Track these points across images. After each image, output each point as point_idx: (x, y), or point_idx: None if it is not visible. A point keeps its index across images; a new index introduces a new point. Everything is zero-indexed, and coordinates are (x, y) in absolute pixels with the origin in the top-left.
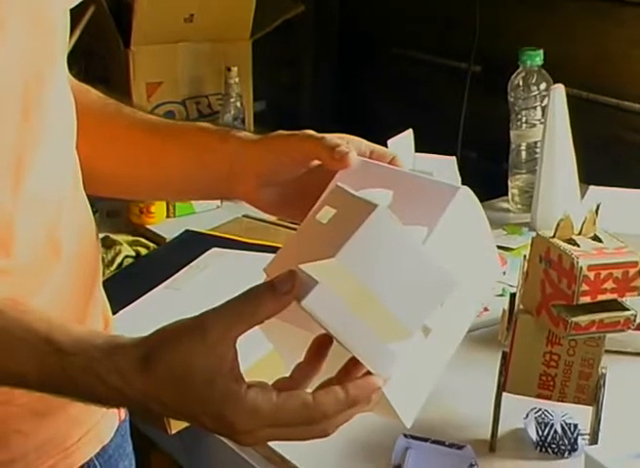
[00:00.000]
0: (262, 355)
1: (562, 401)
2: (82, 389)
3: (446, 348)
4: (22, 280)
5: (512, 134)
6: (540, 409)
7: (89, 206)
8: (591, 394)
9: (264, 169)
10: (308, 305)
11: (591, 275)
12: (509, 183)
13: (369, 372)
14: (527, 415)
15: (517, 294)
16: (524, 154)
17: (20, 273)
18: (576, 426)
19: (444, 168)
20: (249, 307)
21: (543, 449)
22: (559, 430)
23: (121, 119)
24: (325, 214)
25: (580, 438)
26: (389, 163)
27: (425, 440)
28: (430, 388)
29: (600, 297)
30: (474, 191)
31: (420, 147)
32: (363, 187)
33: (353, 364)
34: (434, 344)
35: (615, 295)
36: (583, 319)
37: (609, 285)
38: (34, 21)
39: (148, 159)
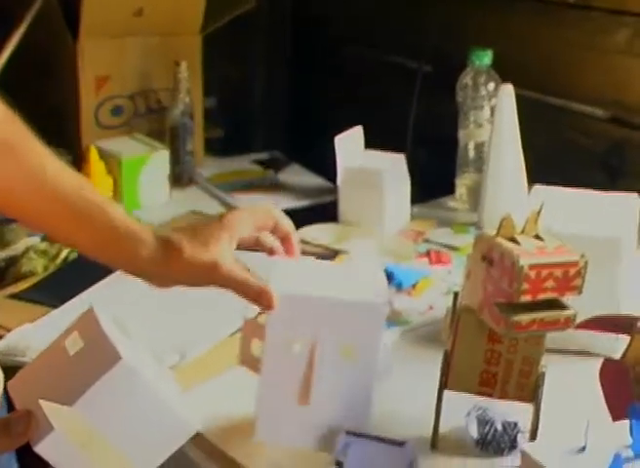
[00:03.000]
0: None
1: (503, 398)
2: None
3: None
4: None
5: (460, 133)
6: (480, 408)
7: None
8: (531, 392)
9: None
10: (42, 450)
11: (532, 274)
12: (457, 182)
13: None
14: (468, 413)
15: (460, 293)
16: (472, 153)
17: None
18: (516, 424)
19: (393, 165)
20: None
21: (484, 448)
22: (499, 428)
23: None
24: (73, 343)
25: (519, 435)
26: (283, 240)
27: (367, 436)
28: None
29: (541, 296)
30: (423, 189)
31: (370, 144)
32: None
33: None
34: None
35: (555, 294)
36: (524, 318)
37: (549, 284)
38: None
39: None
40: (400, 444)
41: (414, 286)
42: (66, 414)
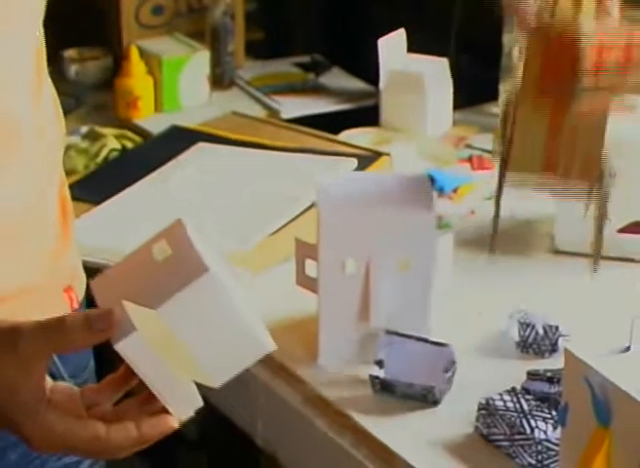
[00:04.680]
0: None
1: (567, 177)
2: None
3: None
4: None
5: (506, 37)
6: (522, 311)
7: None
8: (595, 173)
9: None
10: (122, 349)
11: (594, 53)
12: (501, 88)
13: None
14: (510, 316)
15: (509, 83)
16: (517, 58)
17: None
18: (557, 328)
19: (436, 69)
20: (61, 336)
21: (525, 350)
22: (540, 331)
23: None
24: (161, 250)
25: (560, 339)
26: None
27: (408, 337)
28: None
29: (602, 76)
30: (466, 94)
31: (411, 49)
32: None
33: (153, 397)
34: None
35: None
36: (587, 98)
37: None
38: None
39: None
40: (441, 344)
41: (455, 190)
42: (149, 317)
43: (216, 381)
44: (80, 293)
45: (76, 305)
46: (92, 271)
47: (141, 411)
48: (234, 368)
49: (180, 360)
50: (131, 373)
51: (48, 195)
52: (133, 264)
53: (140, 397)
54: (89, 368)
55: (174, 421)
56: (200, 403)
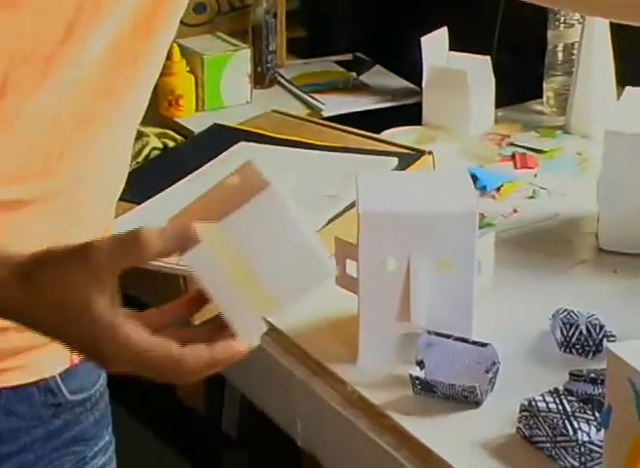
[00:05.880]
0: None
1: None
2: None
3: None
4: None
5: (549, 34)
6: (565, 310)
7: None
8: None
9: None
10: (189, 260)
11: None
12: (544, 85)
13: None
14: (553, 316)
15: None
16: (560, 55)
17: None
18: (602, 327)
19: (478, 67)
20: (137, 246)
21: (568, 350)
22: (584, 331)
23: None
24: (230, 181)
25: (604, 339)
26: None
27: (448, 337)
28: None
29: None
30: (509, 92)
31: (454, 46)
32: None
33: (223, 324)
34: None
35: None
36: None
37: None
38: None
39: None
40: (482, 345)
41: (498, 189)
42: (216, 233)
43: (280, 304)
44: None
45: None
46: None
47: (211, 337)
48: (298, 291)
49: (247, 280)
50: (194, 300)
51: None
52: (204, 199)
53: (207, 327)
54: (99, 384)
55: (243, 346)
56: (264, 328)
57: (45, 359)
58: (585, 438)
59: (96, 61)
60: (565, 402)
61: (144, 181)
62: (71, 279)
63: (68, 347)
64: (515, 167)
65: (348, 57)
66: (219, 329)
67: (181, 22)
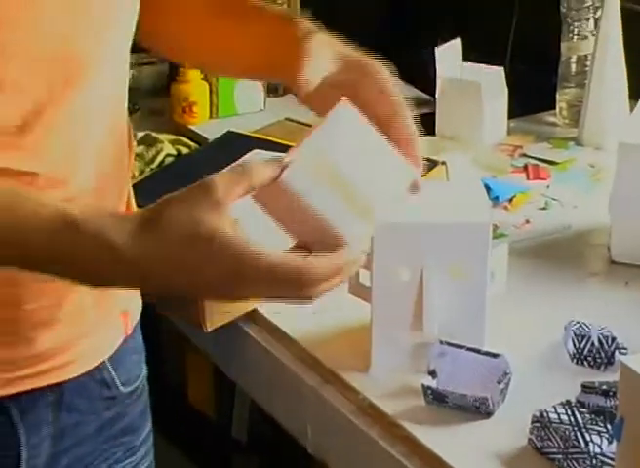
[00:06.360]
0: None
1: None
2: (89, 264)
3: None
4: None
5: (563, 45)
6: (577, 322)
7: None
8: None
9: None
10: (287, 178)
11: None
12: (557, 97)
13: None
14: (565, 327)
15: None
16: (574, 67)
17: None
18: (613, 339)
19: (491, 78)
20: (248, 173)
21: (579, 362)
22: (596, 343)
23: None
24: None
25: (617, 351)
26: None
27: (461, 347)
28: None
29: None
30: (522, 103)
31: (467, 57)
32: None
33: (332, 243)
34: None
35: None
36: None
37: None
38: None
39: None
40: (494, 356)
41: (510, 200)
42: (305, 151)
43: (374, 212)
44: (134, 319)
45: (129, 331)
46: None
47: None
48: (390, 196)
49: (345, 190)
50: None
51: (118, 206)
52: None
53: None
54: (142, 376)
55: (359, 251)
56: (372, 233)
57: (95, 343)
58: (597, 450)
59: None
60: (577, 414)
61: (158, 188)
62: (197, 212)
63: (202, 292)
64: (528, 178)
65: None
66: (330, 247)
67: None
